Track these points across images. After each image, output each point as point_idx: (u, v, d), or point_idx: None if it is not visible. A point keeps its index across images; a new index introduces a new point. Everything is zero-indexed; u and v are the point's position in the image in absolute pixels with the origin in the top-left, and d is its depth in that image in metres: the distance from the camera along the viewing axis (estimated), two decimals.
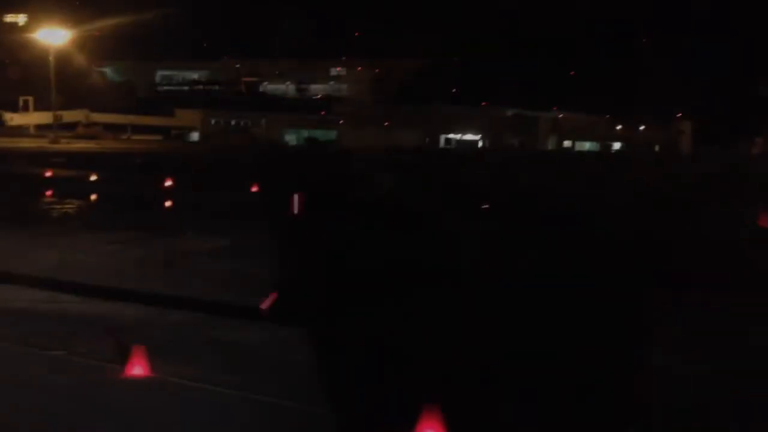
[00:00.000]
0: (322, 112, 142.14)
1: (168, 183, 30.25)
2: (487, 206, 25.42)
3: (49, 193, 27.45)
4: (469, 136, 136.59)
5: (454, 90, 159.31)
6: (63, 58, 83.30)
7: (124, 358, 6.67)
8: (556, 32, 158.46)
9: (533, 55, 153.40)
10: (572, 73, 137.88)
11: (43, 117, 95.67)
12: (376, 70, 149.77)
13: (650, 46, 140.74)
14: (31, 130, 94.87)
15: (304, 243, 17.48)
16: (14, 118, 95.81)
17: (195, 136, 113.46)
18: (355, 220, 19.86)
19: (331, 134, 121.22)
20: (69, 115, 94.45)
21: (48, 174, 33.34)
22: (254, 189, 29.52)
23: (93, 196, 27.71)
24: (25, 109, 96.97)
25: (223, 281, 12.40)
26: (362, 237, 17.82)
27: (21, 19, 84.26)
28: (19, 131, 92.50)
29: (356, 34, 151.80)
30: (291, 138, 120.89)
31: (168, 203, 25.93)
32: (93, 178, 31.85)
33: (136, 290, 9.72)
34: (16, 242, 16.51)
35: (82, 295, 10.33)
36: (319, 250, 15.96)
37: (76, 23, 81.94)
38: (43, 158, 51.22)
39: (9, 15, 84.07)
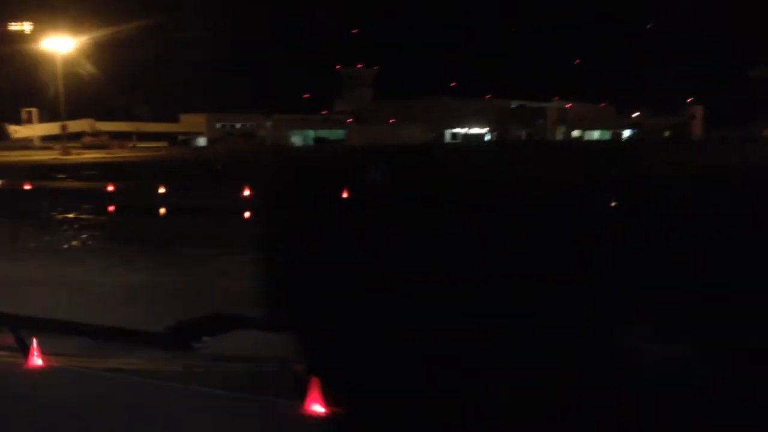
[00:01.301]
0: (324, 111, 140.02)
1: (246, 192, 28.06)
2: (615, 203, 23.54)
3: (112, 208, 25.26)
4: (475, 130, 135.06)
5: (453, 84, 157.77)
6: (68, 66, 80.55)
7: None
8: (557, 20, 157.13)
9: (534, 44, 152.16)
10: (577, 61, 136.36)
11: (48, 128, 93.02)
12: (375, 67, 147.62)
13: (655, 31, 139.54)
14: (36, 142, 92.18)
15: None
16: (19, 131, 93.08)
17: (202, 141, 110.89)
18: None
19: (338, 133, 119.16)
20: (73, 125, 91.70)
21: (110, 188, 30.95)
22: (345, 195, 27.34)
23: (164, 210, 25.33)
24: (29, 121, 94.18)
25: None
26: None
27: (26, 26, 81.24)
28: (24, 143, 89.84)
29: (354, 31, 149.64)
30: (297, 139, 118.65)
31: (251, 215, 23.77)
32: (161, 190, 29.53)
33: None
34: (182, 271, 14.29)
35: None
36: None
37: (83, 30, 79.26)
38: (70, 171, 48.91)
39: (13, 23, 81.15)
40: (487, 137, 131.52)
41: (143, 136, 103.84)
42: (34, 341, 7.27)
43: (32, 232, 19.65)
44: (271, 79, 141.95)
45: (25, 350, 7.30)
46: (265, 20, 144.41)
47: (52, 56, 79.92)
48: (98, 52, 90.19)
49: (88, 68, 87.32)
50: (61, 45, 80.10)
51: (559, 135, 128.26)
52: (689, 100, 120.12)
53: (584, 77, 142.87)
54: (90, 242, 18.25)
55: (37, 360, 7.19)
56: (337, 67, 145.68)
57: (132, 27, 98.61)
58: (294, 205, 26.43)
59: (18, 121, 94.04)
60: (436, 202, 24.68)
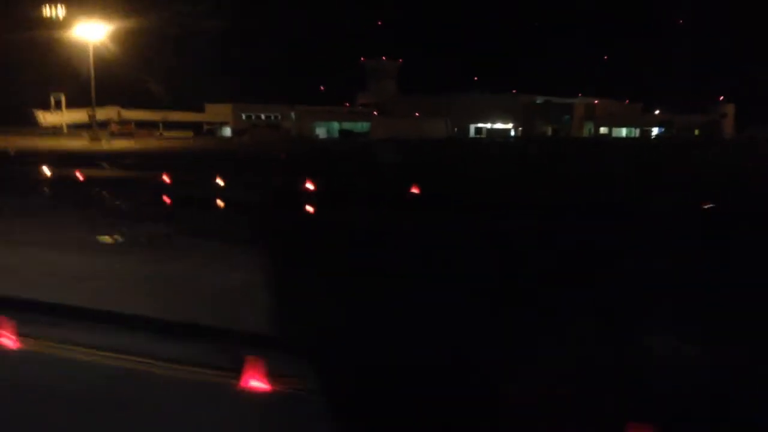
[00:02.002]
0: (347, 104, 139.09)
1: (308, 185, 27.12)
2: (711, 205, 22.45)
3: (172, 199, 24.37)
4: (499, 125, 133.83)
5: (476, 78, 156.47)
6: (96, 52, 79.66)
7: None
8: (582, 15, 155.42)
9: (560, 40, 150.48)
10: (605, 57, 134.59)
11: (76, 115, 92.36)
12: (400, 60, 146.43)
13: (683, 27, 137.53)
14: (64, 129, 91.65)
15: None
16: (47, 117, 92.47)
17: (227, 131, 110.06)
18: None
19: (363, 126, 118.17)
20: (100, 113, 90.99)
21: (165, 178, 30.02)
22: (414, 190, 26.33)
23: (229, 203, 24.27)
24: (58, 107, 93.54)
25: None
26: None
27: (59, 12, 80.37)
28: (53, 130, 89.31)
29: (379, 23, 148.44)
30: (322, 131, 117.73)
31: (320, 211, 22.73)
32: (220, 182, 28.61)
33: None
34: (284, 271, 13.34)
35: None
36: None
37: (111, 17, 78.43)
38: (109, 159, 48.14)
39: (45, 7, 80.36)
40: (512, 133, 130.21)
41: (168, 125, 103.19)
42: (249, 359, 6.34)
43: (110, 224, 18.76)
44: (294, 70, 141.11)
45: (239, 369, 6.37)
46: (289, 11, 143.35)
47: (82, 42, 79.17)
48: (125, 39, 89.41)
49: (115, 55, 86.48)
50: (90, 31, 79.30)
51: (586, 132, 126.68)
52: (720, 98, 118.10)
53: (609, 73, 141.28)
54: (175, 236, 17.32)
55: (251, 381, 6.26)
56: (362, 59, 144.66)
57: (158, 16, 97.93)
58: (365, 202, 25.32)
59: (46, 106, 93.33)
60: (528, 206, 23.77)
